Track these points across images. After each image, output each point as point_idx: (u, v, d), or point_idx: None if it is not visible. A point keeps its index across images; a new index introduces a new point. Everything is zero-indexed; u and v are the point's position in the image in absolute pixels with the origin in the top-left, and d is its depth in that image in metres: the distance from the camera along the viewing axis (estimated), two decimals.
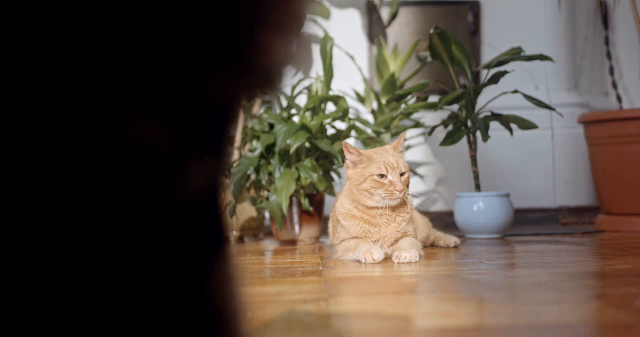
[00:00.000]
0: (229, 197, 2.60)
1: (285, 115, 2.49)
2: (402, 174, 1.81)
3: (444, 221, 2.94)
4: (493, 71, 2.49)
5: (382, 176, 1.79)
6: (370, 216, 1.84)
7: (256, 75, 0.45)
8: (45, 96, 0.39)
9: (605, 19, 3.33)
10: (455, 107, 2.90)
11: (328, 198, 2.76)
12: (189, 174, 0.44)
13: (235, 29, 0.43)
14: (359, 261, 1.76)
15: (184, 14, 0.41)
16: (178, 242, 0.44)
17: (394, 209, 1.83)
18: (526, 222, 3.09)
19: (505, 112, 2.54)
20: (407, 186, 1.83)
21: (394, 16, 3.16)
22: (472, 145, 2.49)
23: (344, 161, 2.47)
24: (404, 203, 1.84)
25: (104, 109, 0.40)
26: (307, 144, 2.44)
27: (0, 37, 0.38)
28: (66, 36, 0.39)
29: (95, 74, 0.40)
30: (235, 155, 2.76)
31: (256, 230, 2.69)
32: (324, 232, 2.58)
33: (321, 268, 1.66)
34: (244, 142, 2.76)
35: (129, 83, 0.41)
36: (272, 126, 2.45)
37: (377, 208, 1.82)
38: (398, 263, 1.71)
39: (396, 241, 1.85)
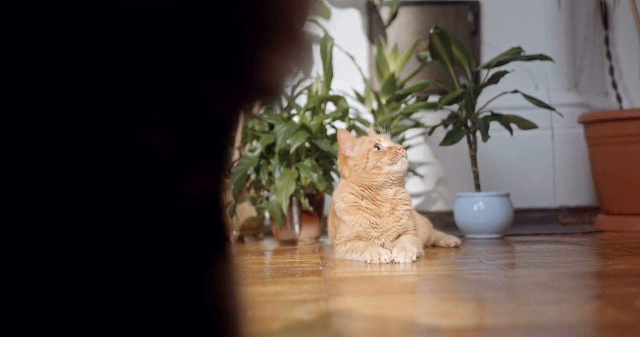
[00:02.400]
0: (229, 197, 2.60)
1: (285, 115, 2.49)
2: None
3: (444, 221, 2.94)
4: (493, 71, 2.49)
5: (378, 147, 1.85)
6: (375, 205, 1.85)
7: (257, 88, 0.45)
8: (46, 99, 0.39)
9: (605, 19, 3.33)
10: (455, 107, 2.90)
11: (328, 198, 2.76)
12: (190, 175, 0.44)
13: (237, 46, 0.43)
14: (364, 262, 1.76)
15: (189, 28, 0.41)
16: (179, 242, 0.44)
17: (392, 196, 1.87)
18: (526, 222, 3.09)
19: (505, 112, 2.54)
20: None
21: (394, 16, 3.16)
22: (472, 145, 2.49)
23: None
24: (401, 186, 1.89)
25: (107, 111, 0.40)
26: (307, 144, 2.44)
27: (4, 42, 0.38)
28: (72, 42, 0.39)
29: (99, 78, 0.40)
30: (235, 155, 2.76)
31: (256, 230, 2.69)
32: (324, 232, 2.58)
33: (321, 268, 1.66)
34: (244, 142, 2.76)
35: (135, 89, 0.41)
36: (272, 126, 2.45)
37: (389, 184, 1.85)
38: (396, 262, 1.72)
39: (398, 237, 1.86)
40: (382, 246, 1.84)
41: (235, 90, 0.44)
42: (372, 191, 1.87)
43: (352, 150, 1.89)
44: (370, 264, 1.72)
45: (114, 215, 0.41)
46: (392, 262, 1.72)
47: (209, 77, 0.43)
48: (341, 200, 1.90)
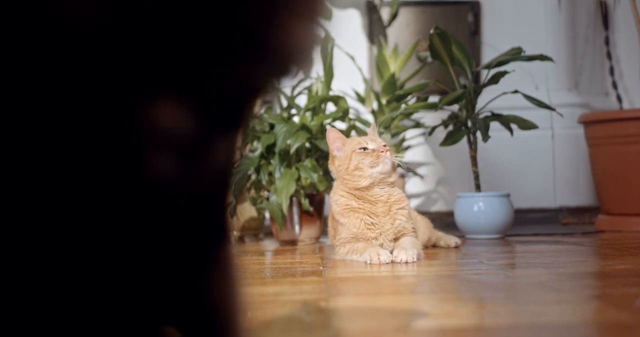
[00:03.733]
0: (229, 197, 2.59)
1: (285, 115, 2.49)
2: (384, 146, 1.85)
3: (444, 221, 2.94)
4: (493, 71, 2.49)
5: (364, 149, 1.83)
6: (369, 203, 1.84)
7: (275, 58, 0.45)
8: (69, 81, 0.39)
9: (605, 19, 3.33)
10: (455, 107, 2.90)
11: (328, 198, 2.76)
12: (193, 174, 0.44)
13: (254, 13, 0.42)
14: (364, 262, 1.76)
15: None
16: (180, 240, 0.44)
17: (386, 198, 1.84)
18: (526, 222, 3.09)
19: (505, 112, 2.54)
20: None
21: (394, 16, 3.16)
22: (472, 145, 2.49)
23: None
24: (392, 186, 1.86)
25: (119, 90, 0.40)
26: (307, 144, 2.44)
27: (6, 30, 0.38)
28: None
29: (117, 57, 0.39)
30: (236, 155, 2.76)
31: (256, 230, 2.69)
32: (324, 232, 2.58)
33: (321, 268, 1.66)
34: (244, 142, 2.76)
35: (153, 67, 0.40)
36: (272, 126, 2.45)
37: (374, 185, 1.83)
38: (396, 262, 1.71)
39: (396, 237, 1.85)
40: (381, 246, 1.83)
41: (254, 61, 0.44)
42: (360, 191, 1.85)
43: (339, 150, 1.88)
44: (370, 264, 1.71)
45: (115, 210, 0.41)
46: (392, 263, 1.72)
47: (228, 48, 0.42)
48: (335, 203, 1.89)
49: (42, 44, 0.38)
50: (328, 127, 1.88)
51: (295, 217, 2.43)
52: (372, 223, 1.83)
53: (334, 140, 1.88)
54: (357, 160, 1.82)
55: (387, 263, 1.71)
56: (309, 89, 2.60)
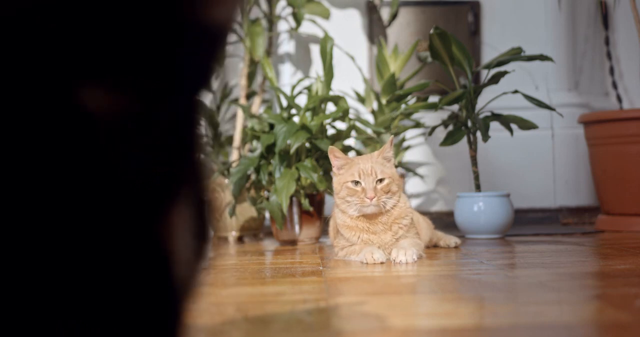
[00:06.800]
0: (228, 197, 2.60)
1: (285, 115, 2.49)
2: (380, 180, 1.78)
3: (444, 221, 2.94)
4: (493, 71, 2.48)
5: (356, 183, 1.78)
6: (367, 223, 1.83)
7: None
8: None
9: (605, 19, 3.33)
10: (455, 107, 2.90)
11: (328, 198, 2.75)
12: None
13: None
14: (360, 262, 1.76)
15: None
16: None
17: (386, 219, 1.81)
18: (526, 222, 3.09)
19: (505, 112, 2.54)
20: (390, 192, 1.79)
21: (394, 16, 3.16)
22: (472, 145, 2.49)
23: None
24: (388, 211, 1.80)
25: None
26: (307, 144, 2.44)
27: None
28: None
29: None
30: (235, 155, 2.76)
31: (256, 230, 2.69)
32: (324, 232, 2.58)
33: (321, 268, 1.66)
34: (244, 142, 2.76)
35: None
36: (272, 126, 2.45)
37: (359, 217, 1.81)
38: (395, 263, 1.71)
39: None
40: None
41: None
42: (347, 214, 1.83)
43: (338, 169, 1.85)
44: (366, 264, 1.71)
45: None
46: (392, 263, 1.72)
47: None
48: (338, 213, 1.88)
49: None
50: (329, 147, 1.85)
51: (295, 217, 2.43)
52: (369, 239, 1.82)
53: (334, 159, 1.84)
54: (345, 192, 1.80)
55: (381, 262, 1.71)
56: (308, 88, 2.60)
